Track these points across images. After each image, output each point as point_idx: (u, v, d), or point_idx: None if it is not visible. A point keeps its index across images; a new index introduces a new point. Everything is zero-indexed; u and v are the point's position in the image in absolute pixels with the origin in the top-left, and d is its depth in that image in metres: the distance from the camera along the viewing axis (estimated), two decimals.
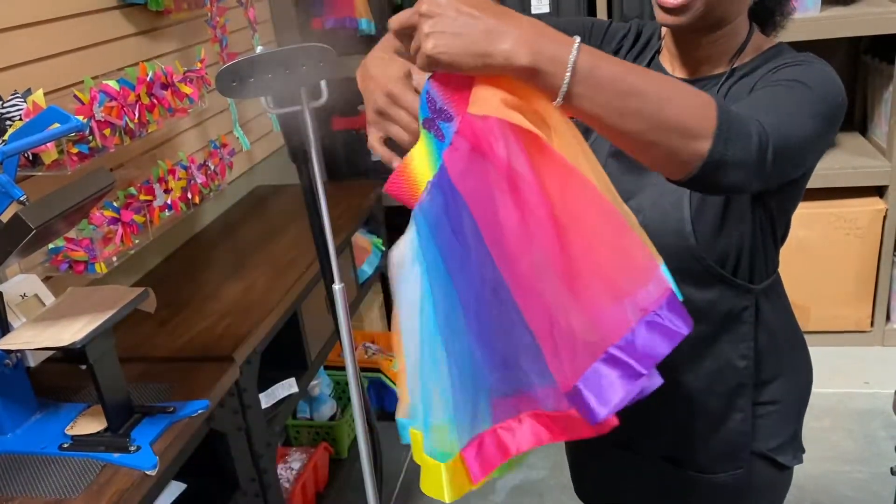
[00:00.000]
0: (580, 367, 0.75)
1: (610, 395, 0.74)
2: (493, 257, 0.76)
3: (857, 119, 2.98)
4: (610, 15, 2.44)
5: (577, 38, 0.74)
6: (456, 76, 0.76)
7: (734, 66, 1.06)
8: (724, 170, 0.79)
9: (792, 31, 2.19)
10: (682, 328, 0.74)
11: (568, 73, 0.72)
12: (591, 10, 2.48)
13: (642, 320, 0.73)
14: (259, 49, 0.93)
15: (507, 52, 0.72)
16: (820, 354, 2.68)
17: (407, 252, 0.82)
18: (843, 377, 2.68)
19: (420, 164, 0.79)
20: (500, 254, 0.76)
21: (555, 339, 0.76)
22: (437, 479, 0.85)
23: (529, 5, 2.51)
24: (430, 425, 0.85)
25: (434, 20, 0.73)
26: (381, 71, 0.88)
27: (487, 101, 0.73)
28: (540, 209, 0.73)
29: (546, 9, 2.50)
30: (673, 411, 1.16)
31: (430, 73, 0.78)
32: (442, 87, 0.77)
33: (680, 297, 0.74)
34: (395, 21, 0.81)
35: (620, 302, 0.73)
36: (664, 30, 1.15)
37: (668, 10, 1.00)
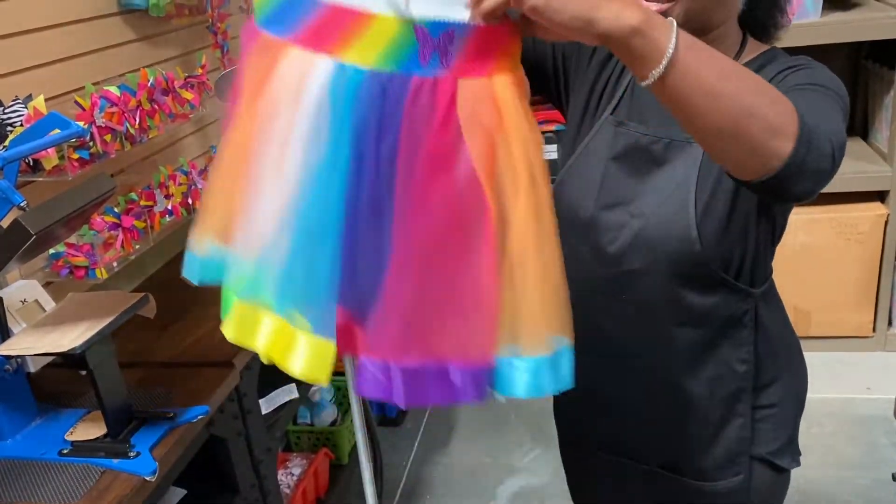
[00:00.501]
0: (407, 347, 0.76)
1: (419, 396, 0.78)
2: (394, 192, 0.75)
3: (858, 124, 2.98)
4: None
5: (671, 19, 0.73)
6: (491, 59, 0.74)
7: None
8: (800, 176, 0.77)
9: (792, 37, 2.19)
10: (468, 396, 0.77)
11: (674, 38, 0.71)
12: None
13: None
14: None
15: (617, 11, 0.70)
16: (822, 360, 2.70)
17: (321, 89, 0.76)
18: (845, 382, 2.68)
19: (377, 33, 0.74)
20: (400, 197, 0.75)
21: (401, 299, 0.76)
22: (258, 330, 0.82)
23: None
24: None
25: None
26: None
27: (475, 117, 0.73)
28: (446, 191, 0.73)
29: None
30: (674, 418, 1.16)
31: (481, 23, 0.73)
32: (472, 45, 0.73)
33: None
34: None
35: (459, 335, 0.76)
36: None
37: None
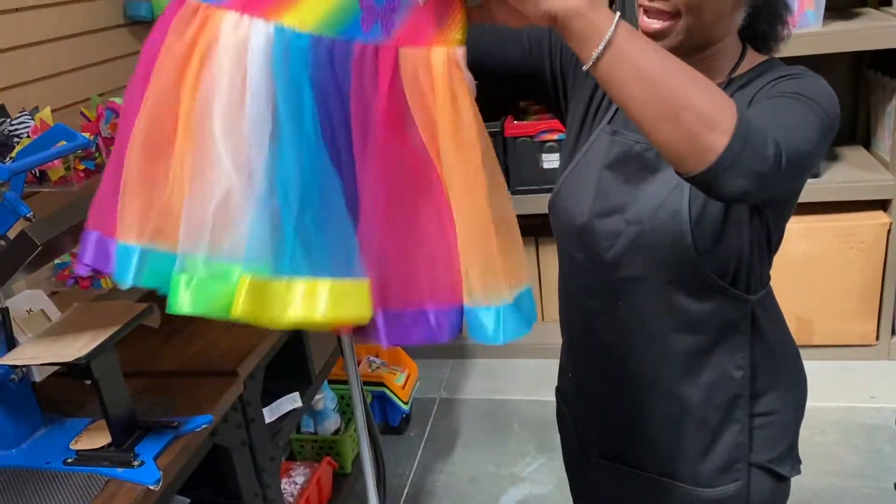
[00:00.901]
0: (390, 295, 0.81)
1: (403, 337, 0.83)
2: (351, 152, 0.80)
3: (860, 133, 2.99)
4: None
5: (617, 12, 0.78)
6: (430, 28, 0.78)
7: (731, 77, 1.07)
8: (734, 172, 0.79)
9: (794, 46, 2.19)
10: (444, 335, 0.83)
11: (614, 24, 0.76)
12: None
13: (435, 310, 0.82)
14: None
15: None
16: (825, 368, 2.69)
17: (263, 54, 0.78)
18: (849, 391, 2.67)
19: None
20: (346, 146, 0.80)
21: (373, 251, 0.81)
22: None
23: None
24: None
25: None
26: None
27: (417, 82, 0.78)
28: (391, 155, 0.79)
29: None
30: (672, 424, 1.16)
31: None
32: (414, 14, 0.78)
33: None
34: None
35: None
36: None
37: (650, 35, 1.00)
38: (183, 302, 0.80)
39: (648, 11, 1.00)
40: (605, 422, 1.24)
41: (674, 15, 0.98)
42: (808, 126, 0.90)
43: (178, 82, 0.80)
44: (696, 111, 0.77)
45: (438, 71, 0.79)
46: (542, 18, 0.77)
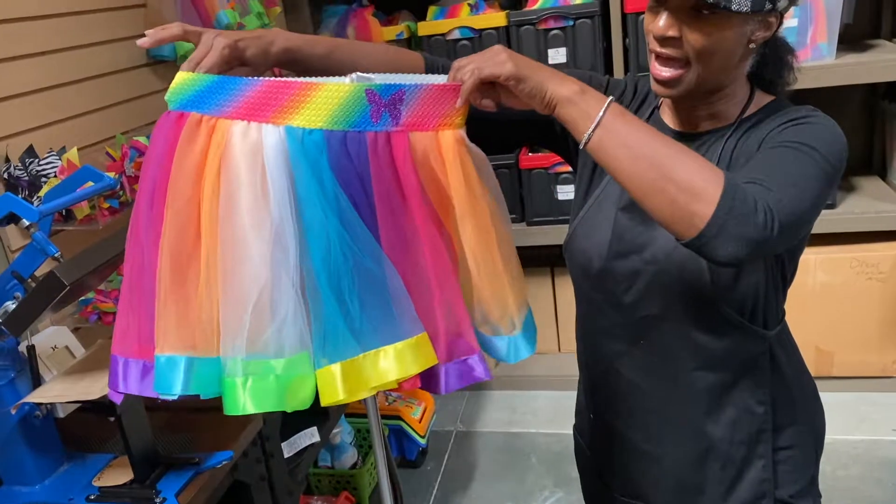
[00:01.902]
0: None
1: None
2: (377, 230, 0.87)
3: (876, 164, 2.98)
4: (626, 66, 2.48)
5: (611, 97, 0.88)
6: (436, 117, 0.87)
7: (741, 118, 1.08)
8: (722, 239, 0.83)
9: (807, 79, 2.20)
10: (486, 375, 0.92)
11: (603, 109, 0.87)
12: (608, 62, 2.53)
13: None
14: None
15: (558, 85, 0.89)
16: (845, 401, 2.66)
17: (268, 147, 0.82)
18: (870, 424, 2.64)
19: (327, 98, 0.83)
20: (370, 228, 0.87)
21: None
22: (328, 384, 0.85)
23: (546, 56, 2.56)
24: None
25: (505, 51, 0.89)
26: None
27: (427, 158, 0.87)
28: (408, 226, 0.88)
29: (563, 59, 2.55)
30: (695, 463, 1.16)
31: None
32: (421, 105, 0.86)
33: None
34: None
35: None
36: None
37: (662, 83, 1.03)
38: (244, 404, 0.84)
39: (660, 58, 1.02)
40: (627, 461, 1.24)
41: (684, 63, 1.00)
42: (807, 182, 0.92)
43: (196, 193, 0.84)
44: (680, 183, 0.84)
45: (448, 150, 0.89)
46: (545, 109, 0.89)
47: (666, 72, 1.01)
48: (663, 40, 1.00)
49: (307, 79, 0.85)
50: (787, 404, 1.15)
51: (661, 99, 1.17)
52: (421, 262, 0.89)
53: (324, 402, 0.86)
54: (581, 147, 0.88)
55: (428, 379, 0.92)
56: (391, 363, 0.86)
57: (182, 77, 0.85)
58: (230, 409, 0.85)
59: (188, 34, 0.92)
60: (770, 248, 0.88)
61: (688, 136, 1.11)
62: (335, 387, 0.85)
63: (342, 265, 0.85)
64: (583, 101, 0.88)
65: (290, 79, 0.84)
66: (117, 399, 0.91)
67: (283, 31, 0.99)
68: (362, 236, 0.86)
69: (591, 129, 0.87)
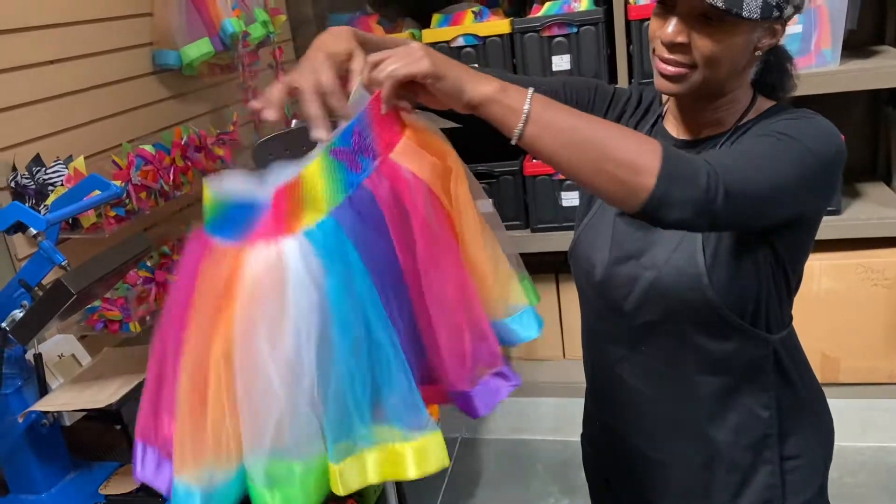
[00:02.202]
0: (466, 376, 0.87)
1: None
2: (394, 274, 0.83)
3: (881, 170, 2.98)
4: (630, 72, 2.49)
5: (531, 88, 0.86)
6: (392, 118, 0.83)
7: (737, 125, 1.09)
8: (668, 206, 0.86)
9: (811, 85, 2.19)
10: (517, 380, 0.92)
11: (528, 102, 0.85)
12: (612, 70, 2.53)
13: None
14: (295, 123, 0.97)
15: (476, 85, 0.85)
16: (852, 407, 2.65)
17: (289, 262, 0.79)
18: (878, 431, 2.63)
19: (312, 186, 0.80)
20: (397, 274, 0.83)
21: (442, 348, 0.85)
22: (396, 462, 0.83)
23: (551, 63, 2.56)
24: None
25: (423, 49, 0.83)
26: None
27: (416, 158, 0.83)
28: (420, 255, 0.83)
29: (567, 66, 2.55)
30: (701, 468, 1.16)
31: (364, 103, 0.82)
32: (375, 125, 0.82)
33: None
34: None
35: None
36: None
37: (666, 78, 1.03)
38: None
39: (665, 61, 1.02)
40: (634, 467, 1.24)
41: (691, 66, 1.00)
42: (772, 162, 0.94)
43: (215, 319, 0.81)
44: (618, 161, 0.85)
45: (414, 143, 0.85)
46: (465, 108, 0.86)
47: (670, 68, 1.01)
48: (671, 46, 1.00)
49: (286, 178, 0.81)
50: (794, 410, 1.15)
51: (666, 108, 1.18)
52: (446, 288, 0.84)
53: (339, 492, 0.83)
54: (513, 143, 0.87)
55: (464, 402, 0.90)
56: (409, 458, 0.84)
57: (208, 197, 0.84)
58: None
59: (292, 81, 0.88)
60: (717, 213, 0.89)
61: (690, 144, 1.11)
62: (363, 475, 0.83)
63: (365, 371, 0.81)
64: (506, 97, 0.85)
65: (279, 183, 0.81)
66: (139, 477, 0.89)
67: (348, 29, 0.94)
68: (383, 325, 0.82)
69: (520, 125, 0.85)
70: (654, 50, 1.04)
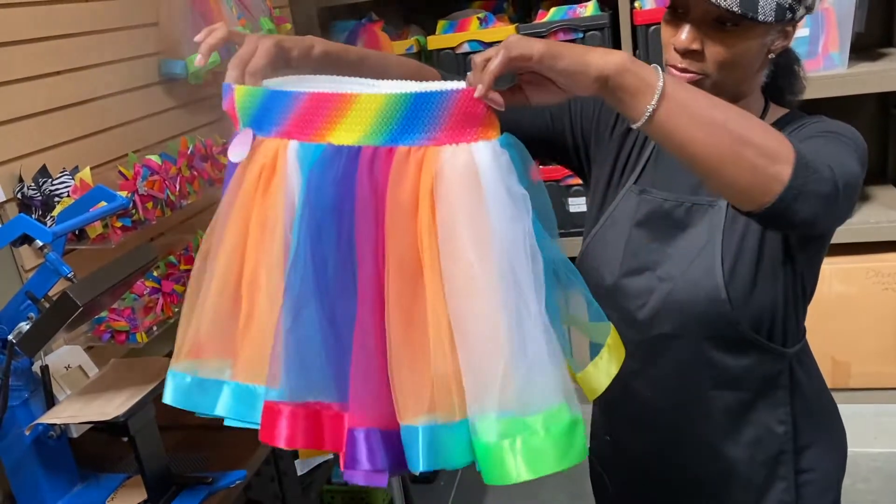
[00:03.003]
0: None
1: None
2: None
3: (890, 173, 2.96)
4: None
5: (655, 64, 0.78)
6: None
7: None
8: (803, 199, 0.79)
9: (820, 89, 2.18)
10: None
11: (661, 73, 0.77)
12: None
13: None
14: None
15: (603, 54, 0.76)
16: (863, 413, 2.63)
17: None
18: (889, 436, 2.60)
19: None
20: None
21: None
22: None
23: None
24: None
25: (529, 38, 0.76)
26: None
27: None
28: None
29: None
30: (715, 484, 1.14)
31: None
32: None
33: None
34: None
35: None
36: None
37: None
38: (517, 471, 0.72)
39: (679, 69, 1.01)
40: (646, 483, 1.22)
41: (705, 73, 1.00)
42: (848, 156, 0.91)
43: (412, 229, 0.76)
44: (757, 146, 0.78)
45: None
46: (594, 84, 0.76)
47: (685, 76, 1.00)
48: (685, 53, 0.99)
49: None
50: (809, 424, 1.13)
51: None
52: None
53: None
54: (639, 124, 0.78)
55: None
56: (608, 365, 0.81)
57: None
58: (498, 479, 0.72)
59: (233, 35, 0.91)
60: (837, 211, 0.85)
61: None
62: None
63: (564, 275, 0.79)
64: (640, 68, 0.76)
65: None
66: (359, 479, 0.77)
67: (318, 37, 0.96)
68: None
69: (653, 102, 0.76)
70: (666, 60, 1.03)
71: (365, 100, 0.77)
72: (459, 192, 0.74)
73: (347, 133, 0.78)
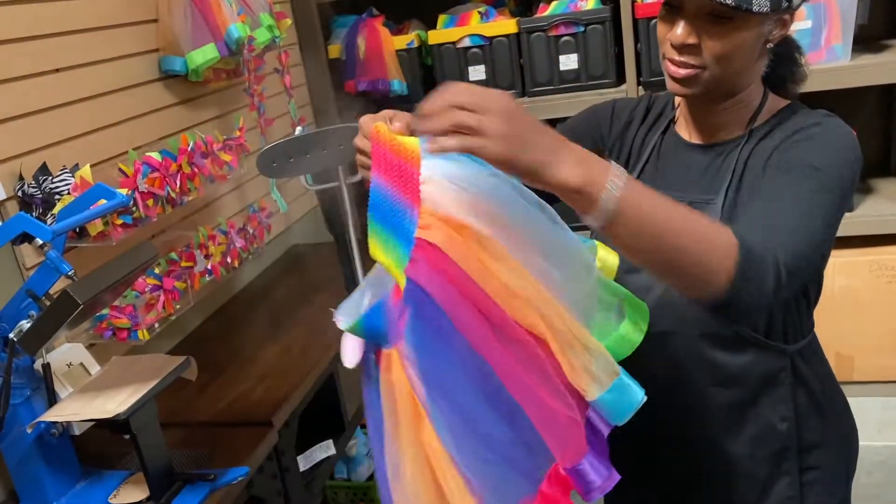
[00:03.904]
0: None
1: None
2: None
3: (893, 165, 2.94)
4: (639, 73, 2.47)
5: (622, 177, 0.78)
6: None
7: (752, 128, 1.07)
8: (739, 305, 0.84)
9: (822, 81, 2.16)
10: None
11: (615, 194, 0.77)
12: (620, 67, 2.51)
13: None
14: (298, 130, 0.96)
15: (564, 171, 0.76)
16: (868, 406, 2.62)
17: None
18: (893, 430, 2.60)
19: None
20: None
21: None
22: None
23: (558, 63, 2.54)
24: None
25: (502, 114, 0.73)
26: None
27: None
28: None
29: (574, 65, 2.54)
30: (718, 480, 1.14)
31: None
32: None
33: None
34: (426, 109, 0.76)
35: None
36: (678, 98, 1.17)
37: (678, 81, 1.01)
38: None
39: (676, 63, 1.01)
40: (649, 480, 1.22)
41: (702, 66, 0.99)
42: (817, 210, 0.91)
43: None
44: (697, 261, 0.81)
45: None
46: (547, 187, 0.78)
47: (682, 70, 1.00)
48: (681, 48, 0.98)
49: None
50: (816, 421, 1.13)
51: (677, 112, 1.16)
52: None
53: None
54: (595, 225, 0.81)
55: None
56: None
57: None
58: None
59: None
60: (785, 294, 0.87)
61: (703, 148, 1.10)
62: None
63: None
64: (591, 189, 0.77)
65: None
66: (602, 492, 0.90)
67: None
68: None
69: (599, 222, 0.79)
70: (663, 54, 1.02)
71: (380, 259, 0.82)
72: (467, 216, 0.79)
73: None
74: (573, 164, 0.75)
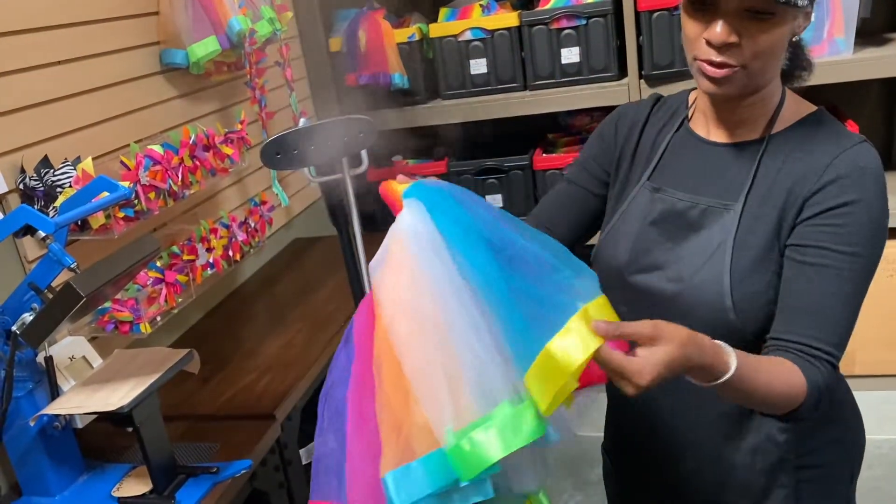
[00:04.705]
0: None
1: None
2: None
3: (895, 158, 2.94)
4: (640, 66, 2.46)
5: (733, 365, 0.90)
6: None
7: (772, 132, 1.06)
8: (796, 419, 1.00)
9: (825, 74, 2.15)
10: None
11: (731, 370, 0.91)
12: (622, 60, 2.50)
13: None
14: (302, 122, 0.96)
15: (705, 372, 0.90)
16: (868, 400, 2.60)
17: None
18: (894, 424, 2.60)
19: None
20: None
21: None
22: None
23: (560, 56, 2.54)
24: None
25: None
26: None
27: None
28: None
29: (576, 58, 2.53)
30: (715, 487, 1.13)
31: None
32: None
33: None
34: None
35: None
36: (693, 96, 1.16)
37: (715, 81, 1.00)
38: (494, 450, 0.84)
39: (713, 63, 0.99)
40: (651, 482, 1.22)
41: (741, 65, 0.98)
42: (860, 298, 1.02)
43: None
44: (776, 404, 0.98)
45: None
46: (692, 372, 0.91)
47: (721, 70, 0.98)
48: (721, 47, 0.97)
49: None
50: (816, 430, 1.12)
51: (692, 109, 1.15)
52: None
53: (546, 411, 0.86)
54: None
55: None
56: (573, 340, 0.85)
57: None
58: (470, 474, 0.83)
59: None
60: (828, 396, 1.01)
61: (721, 146, 1.09)
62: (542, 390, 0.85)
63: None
64: (720, 382, 0.91)
65: None
66: None
67: None
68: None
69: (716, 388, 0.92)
70: (695, 55, 1.00)
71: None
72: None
73: None
74: (709, 368, 0.90)
